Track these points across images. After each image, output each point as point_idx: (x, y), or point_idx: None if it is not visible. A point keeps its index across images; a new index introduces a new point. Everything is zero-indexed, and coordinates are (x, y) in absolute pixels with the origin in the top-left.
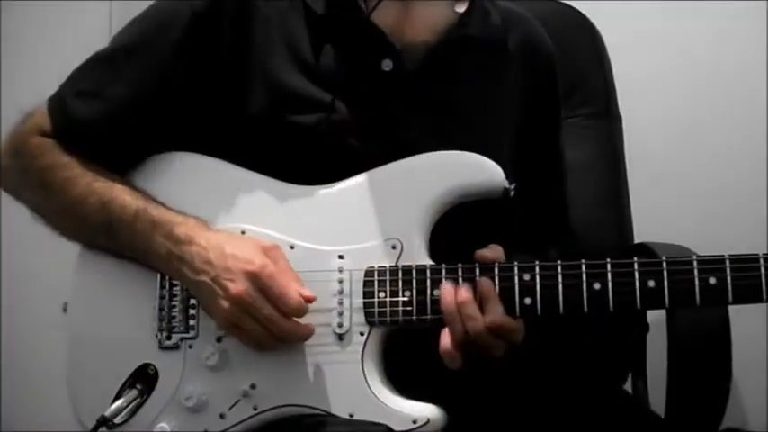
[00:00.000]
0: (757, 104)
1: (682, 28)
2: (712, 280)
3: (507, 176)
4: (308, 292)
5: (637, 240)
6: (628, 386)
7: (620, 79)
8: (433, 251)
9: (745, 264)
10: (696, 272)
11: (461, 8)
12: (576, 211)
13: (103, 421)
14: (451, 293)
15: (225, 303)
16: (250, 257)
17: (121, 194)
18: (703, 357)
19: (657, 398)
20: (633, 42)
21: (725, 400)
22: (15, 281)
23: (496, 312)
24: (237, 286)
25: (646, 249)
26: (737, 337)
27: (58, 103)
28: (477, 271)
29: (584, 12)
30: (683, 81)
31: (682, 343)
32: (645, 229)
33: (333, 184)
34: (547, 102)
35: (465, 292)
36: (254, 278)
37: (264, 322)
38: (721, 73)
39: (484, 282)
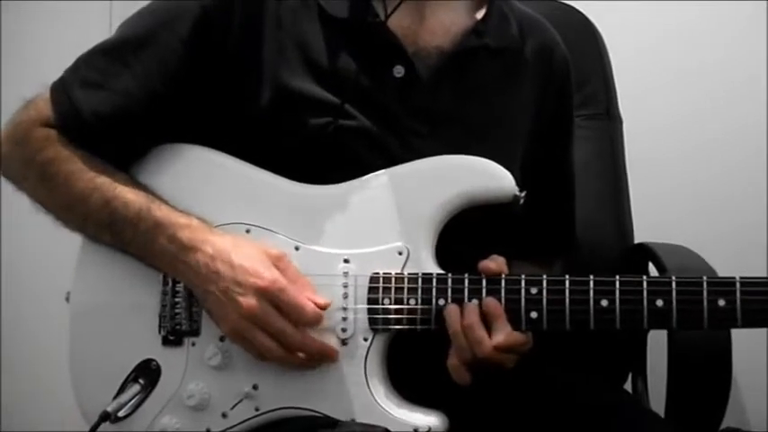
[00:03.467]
0: (757, 105)
1: (682, 29)
2: (722, 302)
3: (518, 185)
4: (321, 299)
5: (637, 240)
6: (628, 386)
7: (621, 80)
8: (439, 257)
9: (756, 287)
10: (705, 293)
11: (479, 14)
12: (577, 212)
13: (106, 416)
14: (457, 315)
15: (235, 316)
16: (260, 271)
17: (124, 192)
18: (704, 357)
19: (657, 398)
20: (634, 43)
21: (725, 400)
22: (17, 271)
23: (503, 332)
24: (249, 301)
25: (646, 250)
26: (738, 337)
27: (61, 93)
28: (484, 282)
29: (585, 13)
30: (684, 82)
31: (682, 342)
32: (645, 229)
33: (341, 185)
34: (560, 111)
35: (471, 315)
36: (266, 293)
37: (277, 336)
38: (722, 73)
39: (491, 302)
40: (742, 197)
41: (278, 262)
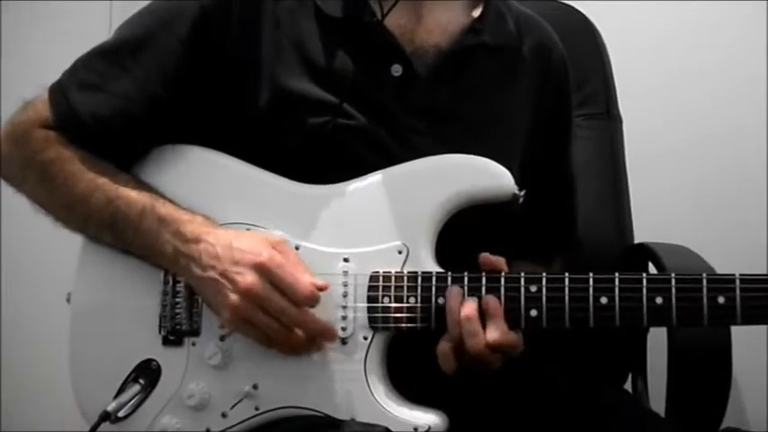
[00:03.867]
0: (757, 104)
1: (682, 29)
2: (721, 299)
3: (517, 183)
4: (319, 281)
5: (637, 240)
6: (628, 386)
7: (621, 80)
8: (439, 256)
9: (756, 284)
10: (705, 290)
11: (476, 12)
12: (577, 211)
13: (106, 416)
14: (458, 302)
15: (234, 297)
16: (258, 250)
17: (127, 191)
18: (704, 357)
19: (657, 398)
20: (634, 43)
21: (725, 399)
22: (17, 271)
23: (499, 330)
24: (246, 278)
25: (646, 250)
26: (738, 337)
27: (59, 95)
28: (484, 280)
29: (584, 12)
30: (684, 82)
31: (682, 342)
32: (645, 229)
33: (341, 185)
34: (558, 109)
35: (469, 308)
36: (263, 269)
37: (277, 314)
38: (722, 73)
39: (491, 300)
40: (742, 197)
41: (277, 245)
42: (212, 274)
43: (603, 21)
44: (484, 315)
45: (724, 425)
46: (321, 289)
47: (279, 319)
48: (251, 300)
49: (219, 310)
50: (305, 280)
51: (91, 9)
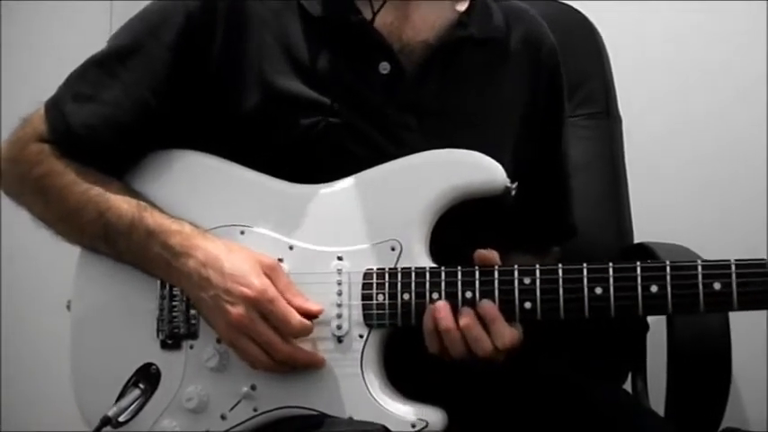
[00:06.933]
0: (757, 104)
1: (682, 28)
2: (717, 285)
3: (509, 176)
4: (314, 306)
5: (636, 240)
6: (628, 386)
7: (621, 79)
8: (433, 251)
9: (751, 269)
10: (700, 277)
11: (462, 7)
12: (577, 211)
13: (107, 421)
14: (449, 315)
15: (224, 325)
16: (249, 280)
17: (117, 203)
18: (703, 357)
19: (657, 398)
20: (633, 42)
21: (725, 399)
22: (18, 279)
23: (503, 333)
24: (237, 310)
25: (646, 249)
26: (737, 337)
27: (54, 108)
28: (477, 275)
29: (584, 12)
30: (683, 81)
31: (682, 342)
32: (645, 229)
33: (333, 183)
34: (550, 99)
35: (467, 317)
36: (255, 303)
37: (264, 347)
38: (721, 73)
39: (486, 305)
40: (742, 196)
41: (270, 271)
42: (203, 295)
43: (603, 21)
44: (482, 320)
45: (723, 425)
46: (315, 315)
47: (266, 351)
48: (240, 330)
49: (212, 326)
50: (295, 315)
51: (91, 9)
